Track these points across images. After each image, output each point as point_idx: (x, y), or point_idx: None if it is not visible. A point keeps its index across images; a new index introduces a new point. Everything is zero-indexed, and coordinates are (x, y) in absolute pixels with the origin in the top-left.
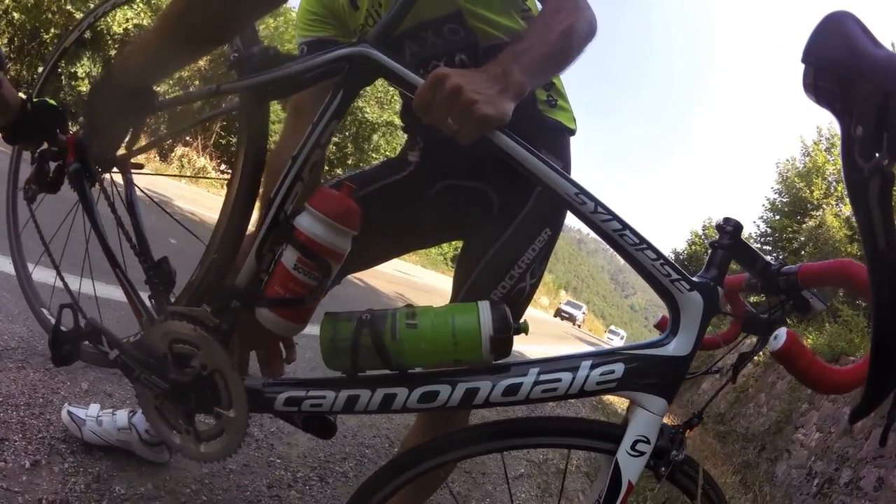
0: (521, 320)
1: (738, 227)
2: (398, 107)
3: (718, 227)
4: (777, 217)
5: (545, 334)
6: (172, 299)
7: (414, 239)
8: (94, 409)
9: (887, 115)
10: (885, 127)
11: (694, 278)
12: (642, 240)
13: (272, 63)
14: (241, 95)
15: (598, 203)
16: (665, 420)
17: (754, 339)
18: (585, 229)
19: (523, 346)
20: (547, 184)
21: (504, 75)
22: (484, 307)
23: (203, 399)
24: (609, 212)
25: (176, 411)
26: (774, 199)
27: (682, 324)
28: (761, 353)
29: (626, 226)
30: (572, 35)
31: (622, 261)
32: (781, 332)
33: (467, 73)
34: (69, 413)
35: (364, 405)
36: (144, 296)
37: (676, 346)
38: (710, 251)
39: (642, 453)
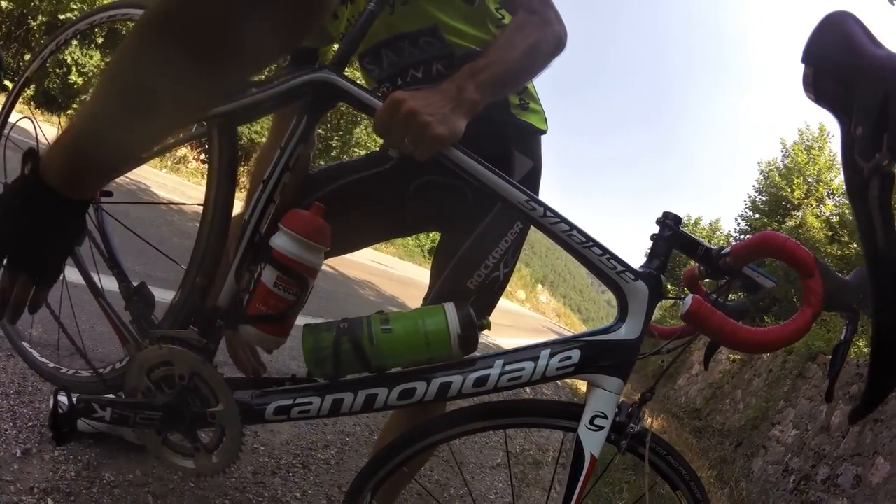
0: (485, 317)
1: (676, 219)
2: None
3: (658, 221)
4: (757, 216)
5: (521, 328)
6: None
7: (392, 228)
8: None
9: (887, 115)
10: (885, 127)
11: (638, 269)
12: (589, 238)
13: (239, 89)
14: (209, 122)
15: (546, 208)
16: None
17: None
18: None
19: (501, 340)
20: (499, 193)
21: (458, 92)
22: (450, 308)
23: (194, 408)
24: (557, 215)
25: (180, 435)
26: (755, 197)
27: (630, 311)
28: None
29: (573, 226)
30: (536, 52)
31: None
32: (688, 298)
33: (422, 95)
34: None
35: (349, 407)
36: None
37: (626, 331)
38: (652, 243)
39: (601, 427)
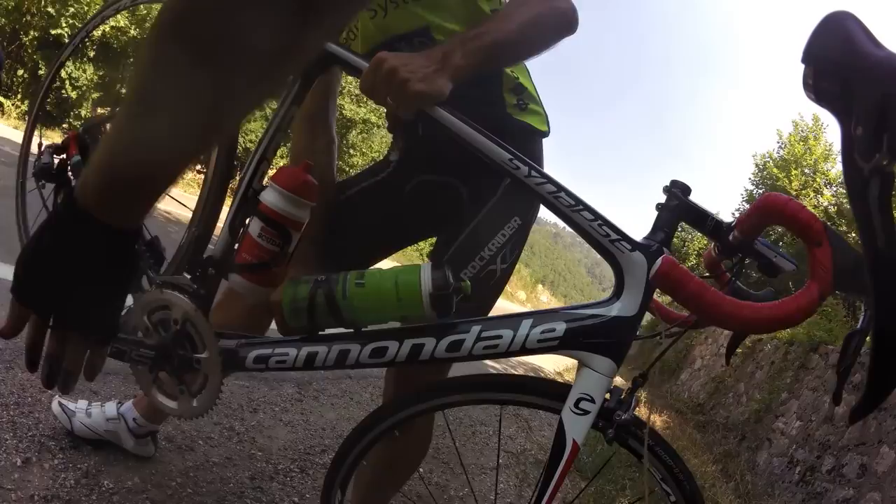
0: (465, 282)
1: (685, 188)
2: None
3: (665, 190)
4: None
5: None
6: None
7: (395, 237)
8: (82, 403)
9: (887, 115)
10: (885, 127)
11: (639, 240)
12: (578, 201)
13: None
14: None
15: (531, 167)
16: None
17: None
18: (561, 223)
19: None
20: (482, 151)
21: (444, 57)
22: (426, 267)
23: (182, 352)
24: (543, 175)
25: (169, 377)
26: (751, 190)
27: (627, 285)
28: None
29: (560, 188)
30: (534, 26)
31: (598, 254)
32: (658, 259)
33: (405, 56)
34: (60, 404)
35: (322, 360)
36: None
37: (621, 307)
38: (656, 213)
39: (586, 412)
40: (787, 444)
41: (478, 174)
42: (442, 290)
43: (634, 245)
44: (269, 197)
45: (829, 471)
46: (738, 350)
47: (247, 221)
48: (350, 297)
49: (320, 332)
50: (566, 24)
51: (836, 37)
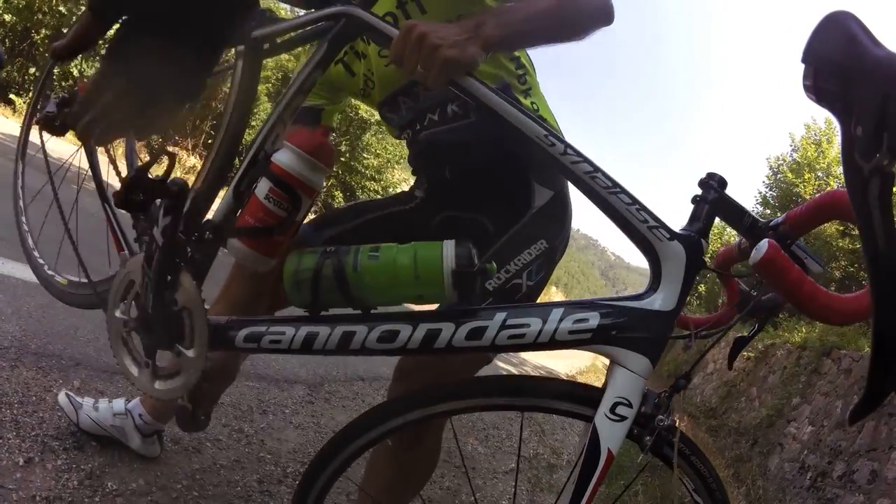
0: (490, 264)
1: (722, 181)
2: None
3: (702, 183)
4: (767, 212)
5: None
6: None
7: None
8: (89, 400)
9: (887, 115)
10: (885, 127)
11: (676, 230)
12: (615, 183)
13: (267, 23)
14: (238, 52)
15: (567, 145)
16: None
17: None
18: (576, 225)
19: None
20: (515, 125)
21: (476, 27)
22: (448, 244)
23: (168, 334)
24: (579, 154)
25: (140, 343)
26: (765, 193)
27: (664, 276)
28: (754, 342)
29: (597, 168)
30: (570, 6)
31: (612, 256)
32: (763, 243)
33: (436, 24)
34: (67, 395)
35: (322, 343)
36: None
37: (659, 300)
38: (693, 206)
39: (623, 418)
40: (799, 449)
41: (503, 211)
42: (466, 268)
43: (673, 234)
44: (283, 157)
45: (839, 476)
46: (751, 354)
47: (255, 184)
48: (362, 270)
49: (324, 313)
50: (602, 11)
51: (836, 36)
